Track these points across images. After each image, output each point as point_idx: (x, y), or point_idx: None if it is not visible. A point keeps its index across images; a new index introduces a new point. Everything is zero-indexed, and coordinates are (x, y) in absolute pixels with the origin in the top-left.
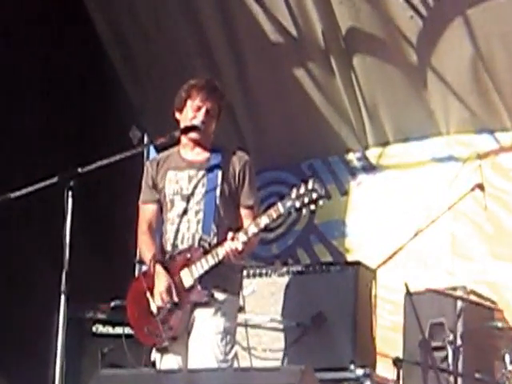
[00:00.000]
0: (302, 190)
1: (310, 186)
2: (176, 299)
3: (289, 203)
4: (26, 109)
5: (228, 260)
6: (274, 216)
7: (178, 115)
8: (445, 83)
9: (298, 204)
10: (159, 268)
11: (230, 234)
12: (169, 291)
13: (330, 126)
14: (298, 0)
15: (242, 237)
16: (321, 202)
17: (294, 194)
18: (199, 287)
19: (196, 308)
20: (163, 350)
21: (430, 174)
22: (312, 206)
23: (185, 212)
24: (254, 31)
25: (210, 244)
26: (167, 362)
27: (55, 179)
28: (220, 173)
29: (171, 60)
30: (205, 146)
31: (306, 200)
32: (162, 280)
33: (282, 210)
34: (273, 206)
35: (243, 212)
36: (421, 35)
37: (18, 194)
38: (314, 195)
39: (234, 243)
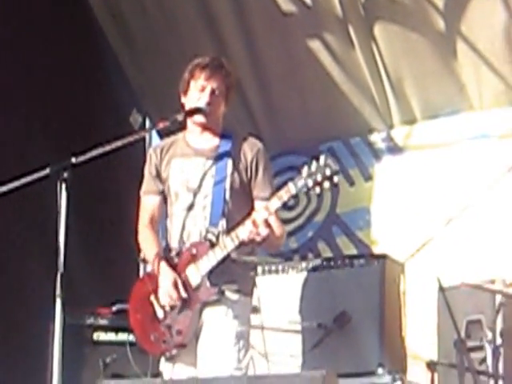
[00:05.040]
0: (314, 167)
1: (321, 161)
2: (185, 294)
3: (300, 182)
4: (12, 94)
5: (250, 241)
6: (285, 198)
7: (183, 99)
8: (477, 53)
9: (310, 182)
10: (164, 265)
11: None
12: (176, 287)
13: (350, 104)
14: None
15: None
16: (335, 179)
17: (305, 172)
18: (208, 284)
19: (205, 308)
20: (172, 360)
21: (462, 154)
22: (326, 184)
23: (191, 207)
24: (263, 1)
25: (217, 236)
26: (178, 372)
27: (47, 171)
28: (230, 162)
29: (173, 37)
30: (214, 131)
31: (319, 177)
32: (167, 276)
33: (293, 190)
34: (283, 186)
35: (258, 205)
36: None
37: (4, 188)
38: (328, 171)
39: (263, 213)
